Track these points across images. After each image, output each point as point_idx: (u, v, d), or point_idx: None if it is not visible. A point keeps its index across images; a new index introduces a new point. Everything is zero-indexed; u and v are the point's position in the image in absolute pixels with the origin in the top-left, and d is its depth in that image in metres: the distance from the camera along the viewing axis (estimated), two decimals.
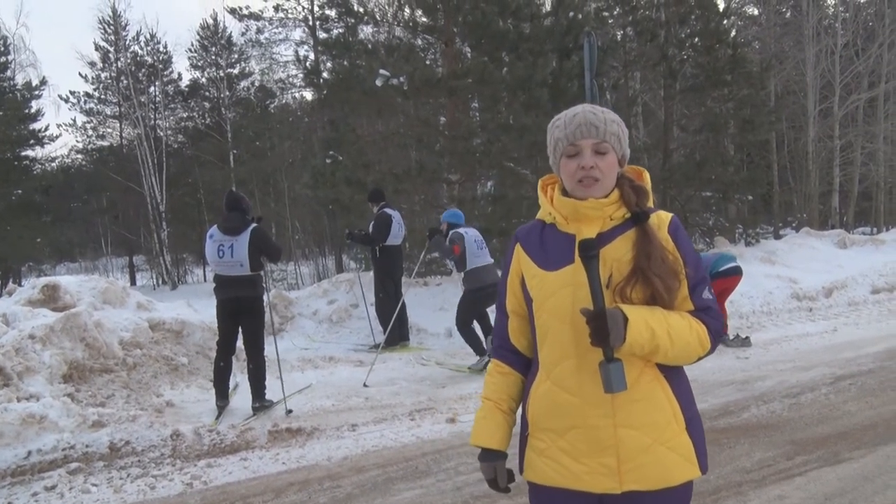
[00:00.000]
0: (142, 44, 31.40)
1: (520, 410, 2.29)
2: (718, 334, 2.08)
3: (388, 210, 10.54)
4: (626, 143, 2.15)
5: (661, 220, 2.11)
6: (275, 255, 7.75)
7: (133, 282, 30.73)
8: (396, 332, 10.10)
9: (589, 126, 2.07)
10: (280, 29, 27.90)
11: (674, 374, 2.08)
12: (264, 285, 7.56)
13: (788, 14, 25.50)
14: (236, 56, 32.25)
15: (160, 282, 29.50)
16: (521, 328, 2.26)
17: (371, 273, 11.07)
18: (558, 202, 2.15)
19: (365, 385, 8.07)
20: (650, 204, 2.16)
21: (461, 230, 8.87)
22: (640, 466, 2.01)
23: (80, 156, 34.48)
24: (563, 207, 2.13)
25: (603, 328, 1.90)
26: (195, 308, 10.09)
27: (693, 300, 2.07)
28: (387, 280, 10.46)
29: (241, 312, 7.27)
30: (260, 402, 7.13)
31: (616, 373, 1.92)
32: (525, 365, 2.27)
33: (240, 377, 7.93)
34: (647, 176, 2.24)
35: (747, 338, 9.68)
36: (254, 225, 7.24)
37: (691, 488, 2.10)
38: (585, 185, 2.07)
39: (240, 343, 7.45)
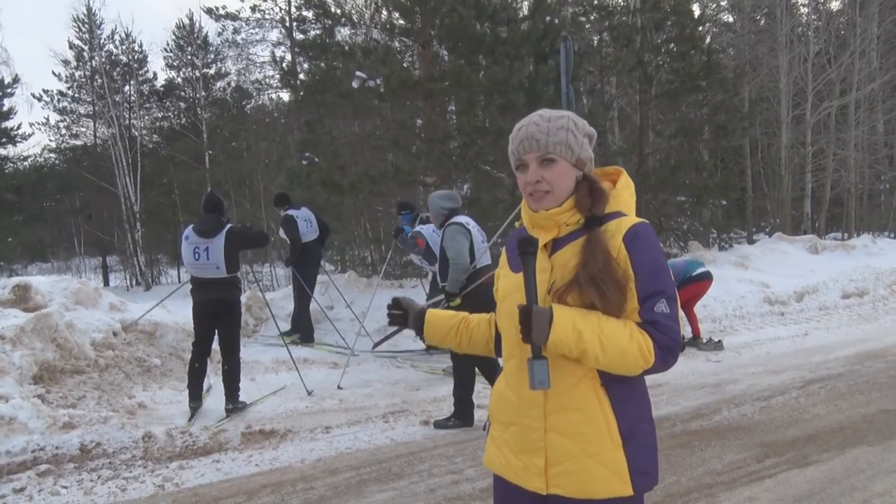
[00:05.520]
0: (116, 42, 31.14)
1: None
2: (668, 350, 1.99)
3: (291, 211, 10.82)
4: (582, 146, 2.12)
5: (619, 227, 2.05)
6: (261, 242, 7.83)
7: (106, 282, 30.45)
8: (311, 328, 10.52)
9: (531, 140, 2.08)
10: (257, 29, 27.73)
11: (619, 389, 2.04)
12: (240, 287, 7.54)
13: (762, 21, 25.73)
14: (212, 56, 32.06)
15: (134, 283, 29.24)
16: None
17: (346, 275, 11.09)
18: (523, 210, 2.21)
19: (339, 387, 8.06)
20: (620, 208, 2.13)
21: (419, 227, 8.94)
22: (566, 473, 2.02)
23: (53, 155, 34.21)
24: (525, 216, 2.19)
25: (527, 323, 1.92)
26: (169, 309, 10.01)
27: (641, 312, 1.99)
28: (308, 278, 10.66)
29: (218, 315, 7.22)
30: (233, 403, 7.10)
31: (539, 370, 1.93)
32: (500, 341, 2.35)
33: (213, 379, 7.88)
34: (623, 178, 2.22)
35: (720, 341, 9.77)
36: (229, 226, 7.18)
37: None
38: (536, 199, 2.11)
39: (214, 345, 7.42)
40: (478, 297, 6.42)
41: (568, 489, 2.02)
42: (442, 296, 6.74)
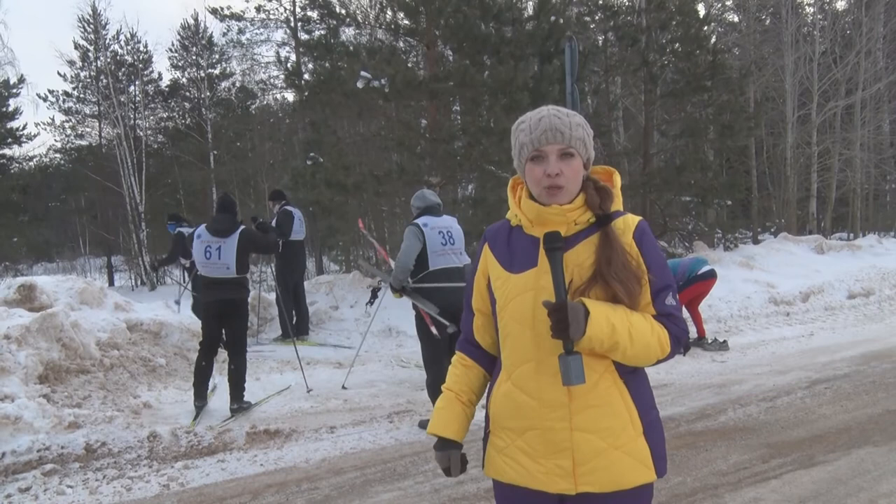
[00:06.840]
0: (122, 43, 31.09)
1: (483, 407, 2.34)
2: (679, 340, 2.09)
3: (289, 207, 10.98)
4: (591, 146, 2.14)
5: (626, 224, 2.10)
6: (271, 248, 7.88)
7: (111, 282, 30.45)
8: (294, 326, 10.39)
9: (555, 132, 2.06)
10: (262, 30, 27.76)
11: (633, 379, 2.10)
12: (249, 287, 7.55)
13: (768, 21, 25.69)
14: (217, 56, 32.04)
15: (139, 282, 29.25)
16: (486, 326, 2.29)
17: (350, 275, 11.10)
18: (525, 206, 2.16)
19: (344, 387, 8.05)
20: (619, 207, 2.16)
21: None
22: (595, 469, 2.03)
23: (58, 155, 34.16)
24: (529, 211, 2.14)
25: (563, 320, 1.90)
26: (174, 309, 10.03)
27: (655, 306, 2.07)
28: (287, 275, 10.68)
29: (226, 314, 7.24)
30: (238, 403, 7.10)
31: (575, 365, 1.93)
32: (489, 360, 2.31)
33: (218, 378, 7.89)
34: (616, 177, 2.23)
35: (725, 342, 9.75)
36: (242, 227, 7.22)
37: (649, 491, 2.12)
38: (551, 193, 2.07)
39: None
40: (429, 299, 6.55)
41: (599, 485, 2.03)
42: (387, 285, 7.04)
